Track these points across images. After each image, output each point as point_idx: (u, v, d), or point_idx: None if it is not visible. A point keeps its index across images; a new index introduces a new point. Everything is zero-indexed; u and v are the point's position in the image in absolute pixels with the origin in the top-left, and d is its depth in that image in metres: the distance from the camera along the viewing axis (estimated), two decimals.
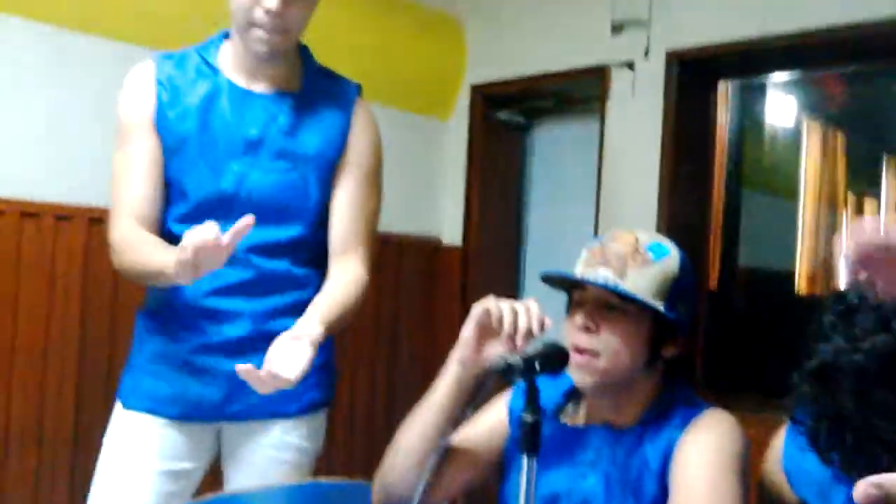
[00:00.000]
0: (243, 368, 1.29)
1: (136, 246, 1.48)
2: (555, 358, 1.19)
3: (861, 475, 1.04)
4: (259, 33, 1.49)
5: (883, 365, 1.02)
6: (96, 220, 2.49)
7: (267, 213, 1.51)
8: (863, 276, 0.88)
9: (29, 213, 2.47)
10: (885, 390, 1.02)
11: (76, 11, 2.54)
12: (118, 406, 1.60)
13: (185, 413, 1.55)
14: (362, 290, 1.58)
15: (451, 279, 3.75)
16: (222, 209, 1.51)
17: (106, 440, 1.59)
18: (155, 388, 1.56)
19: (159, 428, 1.56)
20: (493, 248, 3.80)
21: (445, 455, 1.35)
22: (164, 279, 1.39)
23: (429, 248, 3.72)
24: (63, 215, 2.53)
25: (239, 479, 1.62)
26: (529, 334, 1.21)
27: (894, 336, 1.03)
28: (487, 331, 1.25)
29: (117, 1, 2.61)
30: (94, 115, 2.48)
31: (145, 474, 1.54)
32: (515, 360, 1.11)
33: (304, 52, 1.66)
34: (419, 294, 3.68)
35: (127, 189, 1.53)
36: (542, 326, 1.22)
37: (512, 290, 3.89)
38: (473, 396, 1.31)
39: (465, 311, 3.96)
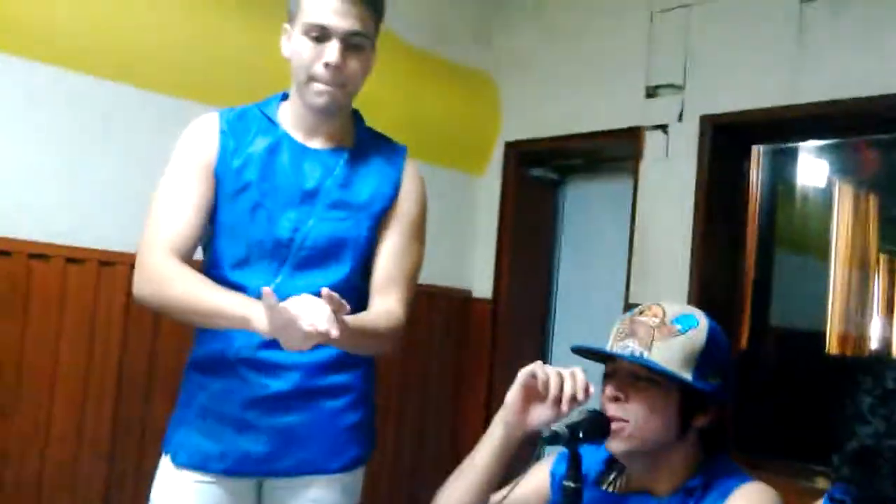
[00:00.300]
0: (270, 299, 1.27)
1: (188, 278, 1.48)
2: (598, 426, 1.23)
3: None
4: (319, 87, 1.56)
5: None
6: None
7: (319, 259, 1.58)
8: None
9: (73, 258, 2.56)
10: None
11: (106, 59, 2.63)
12: (165, 461, 1.61)
13: (231, 469, 1.57)
14: (394, 323, 1.58)
15: (481, 331, 3.78)
16: (277, 256, 1.57)
17: (154, 495, 1.61)
18: (204, 444, 1.57)
19: (206, 486, 1.57)
20: (523, 302, 3.83)
21: None
22: (230, 323, 1.42)
23: (459, 300, 3.76)
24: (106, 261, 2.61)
25: None
26: (574, 400, 1.25)
27: None
28: (533, 394, 1.29)
29: (144, 50, 2.70)
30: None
31: None
32: (561, 428, 1.15)
33: (356, 114, 1.73)
34: (449, 345, 3.71)
35: (169, 223, 1.54)
36: (586, 393, 1.25)
37: (540, 343, 3.91)
38: (515, 458, 1.34)
39: (493, 363, 3.98)
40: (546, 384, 1.26)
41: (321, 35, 1.53)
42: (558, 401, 1.25)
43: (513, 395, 1.31)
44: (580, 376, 1.26)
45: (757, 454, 3.01)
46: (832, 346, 4.28)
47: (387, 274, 1.64)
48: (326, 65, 1.53)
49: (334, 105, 1.60)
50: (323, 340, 1.30)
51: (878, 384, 1.12)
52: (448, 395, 3.74)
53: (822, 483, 2.81)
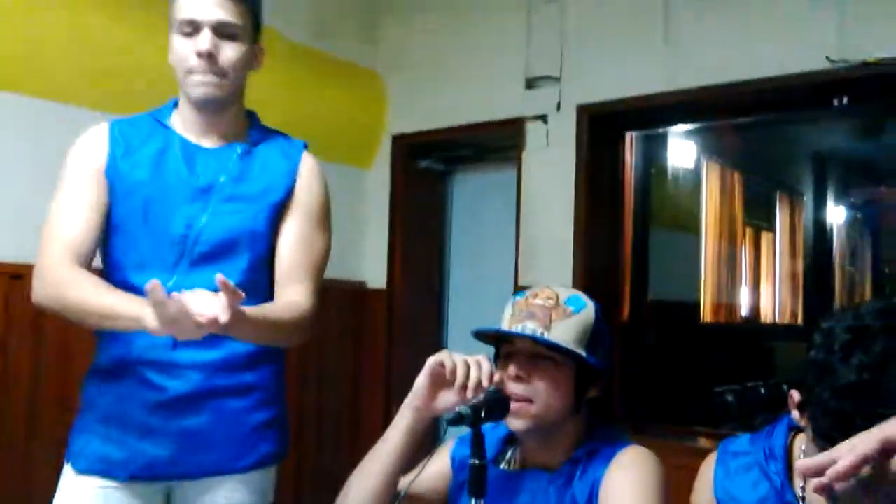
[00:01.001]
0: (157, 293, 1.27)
1: (83, 282, 1.48)
2: (499, 406, 1.31)
3: None
4: (196, 78, 1.57)
5: None
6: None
7: (215, 255, 1.57)
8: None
9: None
10: None
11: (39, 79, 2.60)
12: (67, 468, 1.59)
13: (135, 474, 1.55)
14: (299, 313, 1.59)
15: (377, 320, 3.83)
16: (173, 253, 1.57)
17: (56, 501, 1.58)
18: (106, 450, 1.55)
19: (110, 492, 1.55)
20: (417, 291, 3.91)
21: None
22: (125, 323, 1.41)
23: (354, 292, 3.81)
24: None
25: None
26: (479, 387, 1.32)
27: None
28: (440, 381, 1.36)
29: (32, 57, 2.63)
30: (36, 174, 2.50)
31: None
32: (464, 409, 1.22)
33: (251, 114, 1.74)
34: (346, 337, 3.74)
35: (66, 226, 1.54)
36: (490, 380, 1.33)
37: (436, 329, 4.00)
38: (422, 444, 1.41)
39: (391, 352, 4.03)
40: (453, 372, 1.33)
41: (192, 30, 1.56)
42: (464, 387, 1.32)
43: (421, 381, 1.37)
44: (485, 365, 1.33)
45: (641, 419, 3.20)
46: (706, 315, 4.58)
47: (290, 264, 1.65)
48: (199, 54, 1.55)
49: (215, 96, 1.59)
50: (216, 328, 1.31)
51: (846, 327, 1.20)
52: (347, 387, 3.77)
53: (703, 442, 3.02)
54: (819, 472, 0.94)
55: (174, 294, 1.30)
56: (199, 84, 1.58)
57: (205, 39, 1.55)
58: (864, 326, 1.19)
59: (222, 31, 1.57)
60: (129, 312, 1.38)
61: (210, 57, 1.56)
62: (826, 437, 1.24)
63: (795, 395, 1.27)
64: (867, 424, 1.13)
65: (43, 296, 1.52)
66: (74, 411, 1.64)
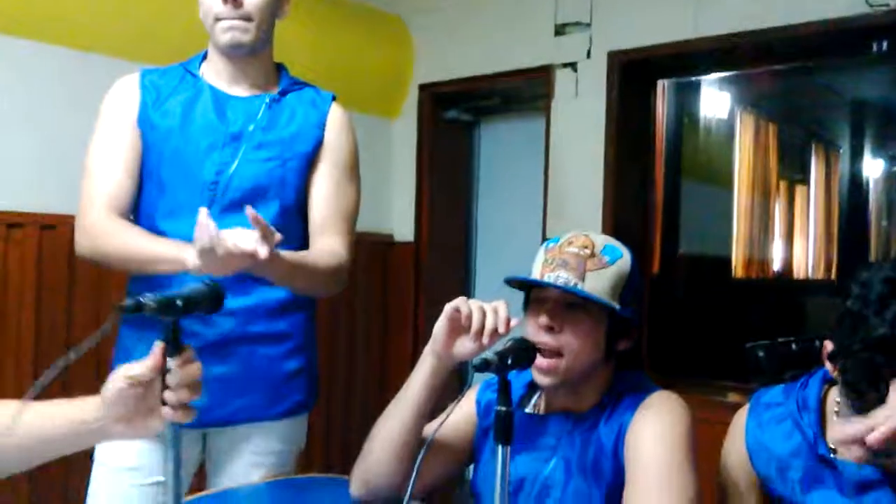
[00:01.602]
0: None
1: (125, 231, 1.53)
2: (525, 353, 1.29)
3: None
4: (224, 24, 1.58)
5: None
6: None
7: (245, 200, 1.57)
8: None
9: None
10: None
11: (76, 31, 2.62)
12: None
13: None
14: (336, 261, 1.62)
15: (405, 273, 3.84)
16: (203, 200, 1.58)
17: (97, 454, 1.62)
18: None
19: (146, 441, 1.58)
20: (445, 243, 3.90)
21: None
22: (167, 266, 1.45)
23: (382, 244, 3.80)
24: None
25: (222, 482, 1.67)
26: (495, 333, 1.31)
27: None
28: (457, 327, 1.34)
29: (113, 19, 2.69)
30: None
31: (135, 488, 1.58)
32: (491, 356, 1.21)
33: (280, 66, 1.75)
34: (374, 288, 3.76)
35: (104, 178, 1.58)
36: (507, 327, 1.31)
37: (463, 282, 4.00)
38: (444, 389, 1.41)
39: (418, 304, 4.05)
40: (469, 318, 1.31)
41: None
42: (480, 333, 1.31)
43: (439, 327, 1.36)
44: (502, 311, 1.32)
45: (670, 373, 3.18)
46: (737, 269, 4.52)
47: (324, 216, 1.67)
48: (225, 0, 1.56)
49: (242, 41, 1.60)
50: (250, 264, 1.32)
51: (883, 278, 1.19)
52: (375, 339, 3.80)
53: (732, 396, 3.00)
54: (857, 440, 0.93)
55: (205, 213, 1.32)
56: (227, 29, 1.58)
57: None
58: None
59: None
60: (171, 255, 1.43)
61: (235, 1, 1.56)
62: (853, 388, 1.22)
63: (829, 345, 1.25)
64: (893, 374, 1.11)
65: (84, 247, 1.58)
66: (107, 363, 1.67)
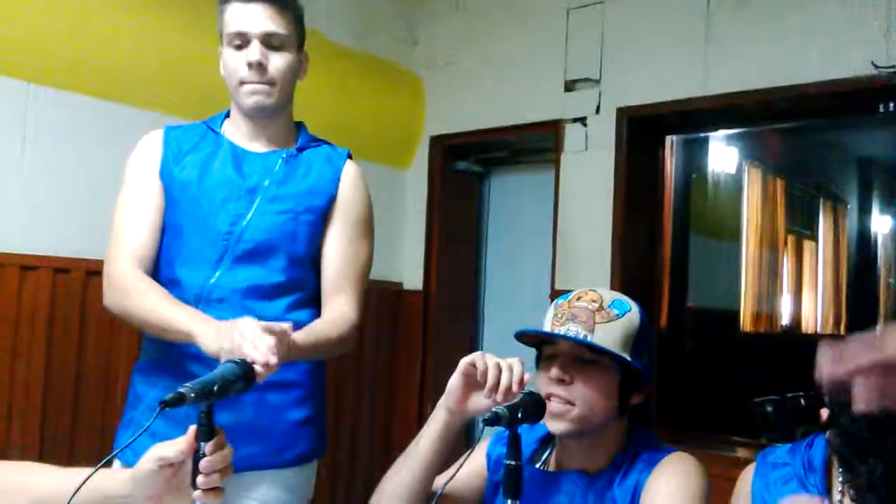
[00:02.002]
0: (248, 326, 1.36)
1: (147, 295, 1.56)
2: (534, 407, 1.30)
3: None
4: (248, 87, 1.64)
5: None
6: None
7: (258, 253, 1.63)
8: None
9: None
10: None
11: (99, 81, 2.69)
12: (115, 464, 1.61)
13: None
14: (347, 326, 1.65)
15: (413, 321, 3.84)
16: (216, 250, 1.62)
17: None
18: (152, 444, 1.58)
19: None
20: (453, 292, 3.91)
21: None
22: (179, 337, 1.49)
23: (391, 293, 3.82)
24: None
25: None
26: (509, 391, 1.31)
27: None
28: (472, 382, 1.35)
29: (138, 70, 2.77)
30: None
31: None
32: (501, 409, 1.21)
33: (299, 124, 1.80)
34: (383, 338, 3.76)
35: (130, 232, 1.63)
36: (521, 385, 1.31)
37: (471, 331, 4.00)
38: (456, 444, 1.41)
39: (426, 354, 4.03)
40: (484, 374, 1.32)
41: (242, 42, 1.64)
42: (495, 390, 1.31)
43: (454, 382, 1.36)
44: (517, 368, 1.32)
45: (678, 427, 3.16)
46: (746, 323, 4.50)
47: (335, 275, 1.70)
48: (249, 64, 1.62)
49: (265, 104, 1.66)
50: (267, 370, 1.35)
51: None
52: (383, 388, 3.79)
53: (741, 452, 2.98)
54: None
55: (238, 324, 1.39)
56: (251, 93, 1.64)
57: (255, 51, 1.63)
58: None
59: (270, 42, 1.65)
60: (183, 328, 1.48)
61: (260, 66, 1.63)
62: (844, 460, 1.22)
63: (824, 413, 1.26)
64: (881, 454, 1.11)
65: (110, 302, 1.62)
66: (114, 402, 1.68)
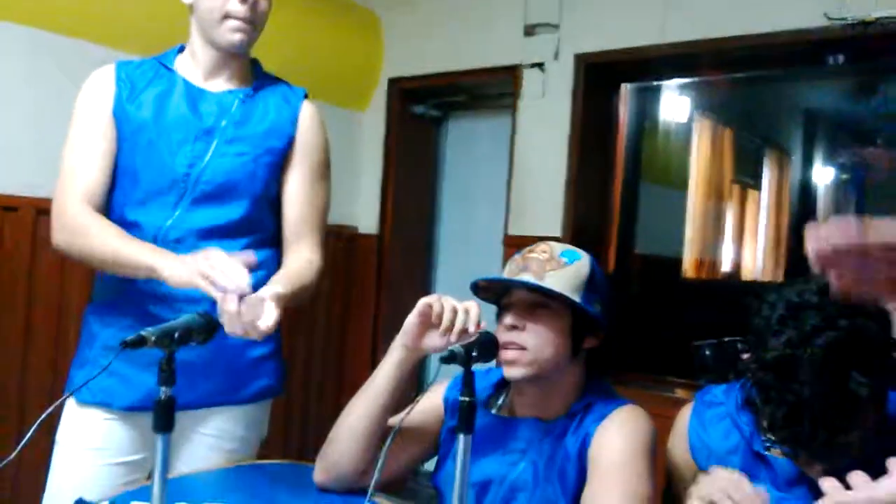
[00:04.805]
0: (230, 306, 1.36)
1: (103, 231, 1.54)
2: (489, 346, 1.35)
3: (817, 458, 1.20)
4: (235, 23, 1.60)
5: (834, 358, 1.19)
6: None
7: (217, 194, 1.62)
8: (830, 271, 0.97)
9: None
10: (837, 380, 1.18)
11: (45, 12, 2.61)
12: (70, 402, 1.63)
13: (136, 404, 1.60)
14: (316, 273, 1.68)
15: (367, 264, 3.87)
16: (174, 191, 1.60)
17: (59, 435, 1.63)
18: (107, 382, 1.59)
19: (112, 422, 1.61)
20: (408, 236, 3.94)
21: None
22: (140, 273, 1.48)
23: (346, 236, 3.83)
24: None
25: (179, 467, 1.68)
26: (465, 332, 1.36)
27: (843, 332, 1.19)
28: (428, 322, 1.39)
29: (92, 4, 2.69)
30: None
31: (100, 468, 1.60)
32: (457, 348, 1.26)
33: (254, 62, 1.77)
34: (336, 278, 3.78)
35: (80, 172, 1.59)
36: (476, 327, 1.36)
37: (425, 275, 4.05)
38: (410, 382, 1.45)
39: (380, 297, 4.08)
40: (440, 315, 1.36)
41: None
42: (450, 330, 1.36)
43: (410, 321, 1.40)
44: (473, 311, 1.37)
45: (622, 369, 3.27)
46: (689, 270, 4.63)
47: (297, 221, 1.71)
48: (244, 0, 1.58)
49: (247, 42, 1.64)
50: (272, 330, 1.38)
51: (784, 300, 1.26)
52: (335, 330, 3.82)
53: (680, 392, 3.10)
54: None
55: (208, 255, 1.38)
56: (237, 30, 1.61)
57: None
58: (802, 302, 1.24)
59: None
60: (146, 262, 1.46)
61: (254, 5, 1.60)
62: (750, 404, 1.30)
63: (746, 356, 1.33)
64: (781, 398, 1.17)
65: (60, 241, 1.59)
66: (66, 343, 1.67)
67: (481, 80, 3.59)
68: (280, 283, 1.48)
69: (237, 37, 1.61)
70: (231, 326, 1.36)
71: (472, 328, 1.35)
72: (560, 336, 1.42)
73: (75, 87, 1.67)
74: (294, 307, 1.70)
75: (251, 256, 1.42)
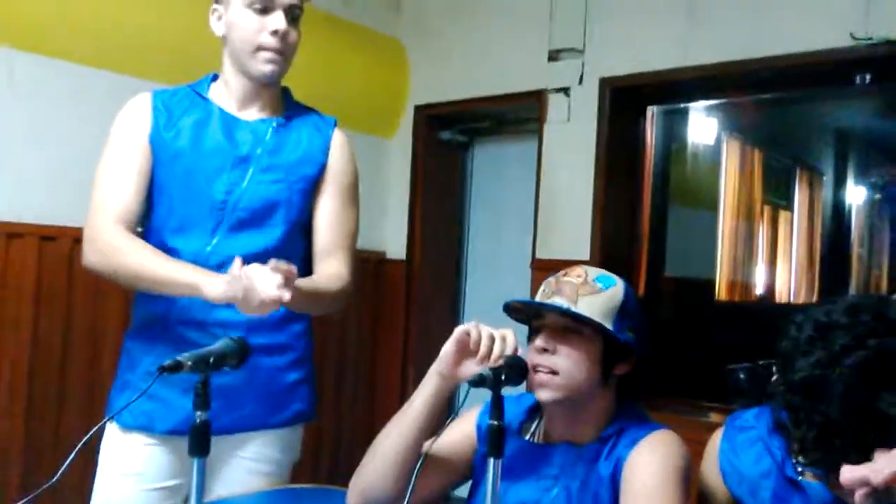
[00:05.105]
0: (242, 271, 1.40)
1: (140, 250, 1.58)
2: (518, 370, 1.35)
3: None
4: (268, 55, 1.64)
5: (864, 378, 1.17)
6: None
7: (253, 220, 1.65)
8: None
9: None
10: (867, 400, 1.17)
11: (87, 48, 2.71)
12: (111, 426, 1.66)
13: (175, 428, 1.62)
14: (343, 285, 1.70)
15: (396, 290, 3.89)
16: (212, 218, 1.64)
17: (101, 460, 1.66)
18: (148, 406, 1.62)
19: (152, 447, 1.64)
20: (436, 262, 3.96)
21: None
22: (180, 290, 1.51)
23: (374, 262, 3.85)
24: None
25: (218, 490, 1.70)
26: (501, 360, 1.35)
27: (872, 352, 1.18)
28: (465, 350, 1.39)
29: (122, 36, 2.78)
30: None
31: (140, 493, 1.63)
32: (486, 372, 1.26)
33: (285, 90, 1.81)
34: (366, 307, 3.80)
35: (115, 195, 1.62)
36: (514, 354, 1.36)
37: (453, 300, 4.05)
38: (446, 409, 1.45)
39: (408, 322, 4.08)
40: (477, 343, 1.36)
41: (265, 7, 1.63)
42: (487, 358, 1.35)
43: (447, 348, 1.40)
44: (510, 339, 1.37)
45: (654, 393, 3.24)
46: (721, 292, 4.58)
47: (329, 239, 1.74)
48: (275, 32, 1.63)
49: (278, 73, 1.68)
50: (277, 306, 1.41)
51: (812, 321, 1.25)
52: (365, 355, 3.84)
53: (714, 417, 3.06)
54: (863, 482, 0.99)
55: (239, 265, 1.42)
56: (269, 62, 1.65)
57: (281, 20, 1.63)
58: (830, 322, 1.22)
59: (292, 14, 1.66)
60: (188, 279, 1.50)
61: (285, 36, 1.64)
62: (781, 427, 1.28)
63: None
64: (810, 420, 1.17)
65: (94, 261, 1.61)
66: (102, 370, 1.70)
67: (507, 105, 3.62)
68: (300, 280, 1.52)
69: (269, 68, 1.65)
70: (232, 289, 1.41)
71: (509, 354, 1.35)
72: (591, 361, 1.41)
73: (113, 119, 1.71)
74: (319, 314, 1.75)
75: (292, 266, 1.44)
